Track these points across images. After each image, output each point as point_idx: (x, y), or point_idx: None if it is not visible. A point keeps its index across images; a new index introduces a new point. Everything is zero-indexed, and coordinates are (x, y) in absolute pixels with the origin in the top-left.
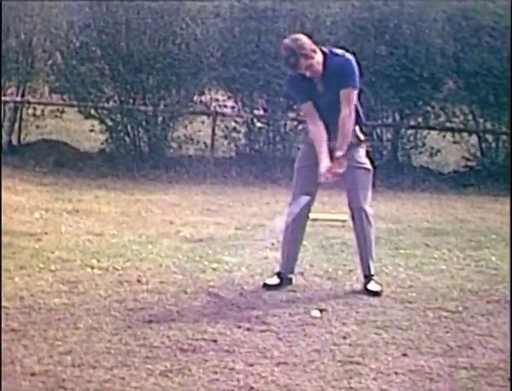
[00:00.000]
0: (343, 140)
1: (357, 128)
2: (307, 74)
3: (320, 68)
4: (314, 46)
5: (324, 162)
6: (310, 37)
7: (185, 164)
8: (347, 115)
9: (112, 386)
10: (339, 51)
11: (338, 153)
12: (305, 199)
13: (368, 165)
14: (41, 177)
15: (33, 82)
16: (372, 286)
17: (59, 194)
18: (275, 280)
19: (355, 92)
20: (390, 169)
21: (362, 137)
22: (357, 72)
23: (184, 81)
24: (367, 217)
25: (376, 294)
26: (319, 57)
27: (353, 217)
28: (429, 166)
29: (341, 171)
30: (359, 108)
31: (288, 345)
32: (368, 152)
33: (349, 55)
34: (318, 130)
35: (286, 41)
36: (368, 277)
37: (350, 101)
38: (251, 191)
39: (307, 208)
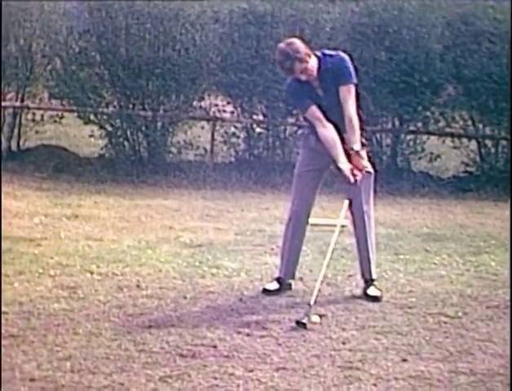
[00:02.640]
0: (355, 134)
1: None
2: (302, 78)
3: (314, 71)
4: (308, 50)
5: (345, 164)
6: (305, 41)
7: (184, 169)
8: (352, 110)
9: None
10: (332, 52)
11: (355, 147)
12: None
13: (370, 169)
14: (41, 182)
15: (32, 87)
16: (372, 291)
17: (59, 199)
18: (274, 285)
19: (354, 87)
20: (389, 175)
21: (364, 140)
22: (352, 68)
23: (184, 86)
24: (369, 220)
25: (376, 299)
26: (313, 61)
27: (354, 221)
28: (428, 171)
29: (364, 164)
30: (361, 112)
31: (287, 351)
32: (369, 157)
33: (342, 54)
34: (330, 133)
35: (281, 45)
36: (368, 282)
37: (351, 96)
38: (251, 196)
39: (307, 213)
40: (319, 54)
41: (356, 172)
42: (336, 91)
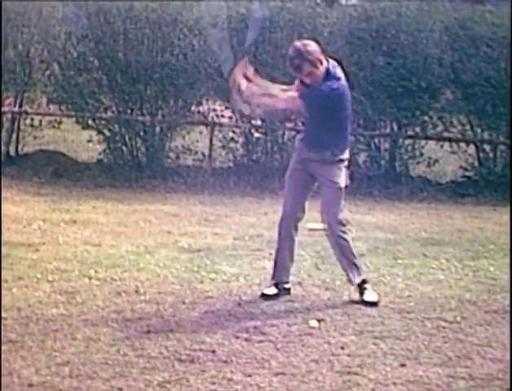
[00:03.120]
0: (268, 101)
1: (337, 148)
2: (306, 81)
3: (319, 79)
4: (322, 57)
5: (255, 91)
6: (321, 47)
7: (183, 174)
8: (293, 97)
9: None
10: (334, 81)
11: (256, 96)
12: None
13: (340, 184)
14: (39, 187)
15: (30, 93)
16: (368, 297)
17: (57, 204)
18: (273, 290)
19: (302, 105)
20: (387, 179)
21: (340, 157)
22: (325, 105)
23: (182, 91)
24: (337, 234)
25: (373, 304)
26: (322, 69)
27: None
28: (427, 176)
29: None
30: (344, 130)
31: (286, 356)
32: (348, 167)
33: (336, 90)
34: (286, 93)
35: (298, 43)
36: (359, 287)
37: (297, 100)
38: (249, 201)
39: (298, 214)
40: (330, 68)
41: (236, 84)
42: (312, 108)
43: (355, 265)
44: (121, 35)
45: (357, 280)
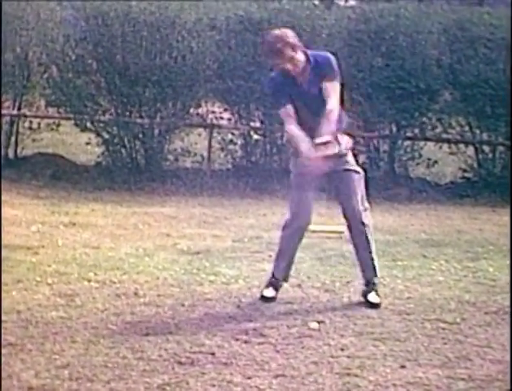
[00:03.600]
0: (328, 126)
1: (345, 135)
2: (288, 67)
3: (300, 65)
4: (299, 44)
5: (310, 149)
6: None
7: (182, 176)
8: (334, 104)
9: None
10: (320, 52)
11: (321, 139)
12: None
13: (359, 169)
14: (38, 190)
15: (29, 96)
16: (372, 297)
17: (56, 207)
18: (272, 292)
19: (339, 86)
20: (387, 181)
21: (352, 144)
22: (337, 68)
23: (180, 93)
24: (365, 221)
25: (375, 306)
26: (300, 56)
27: (349, 225)
28: (426, 177)
29: (328, 153)
30: (343, 114)
31: (285, 358)
32: (356, 160)
33: (329, 54)
34: (297, 128)
35: (274, 31)
36: (370, 285)
37: (335, 93)
38: (248, 202)
39: (307, 217)
40: (308, 52)
41: (317, 160)
42: (322, 86)
43: (375, 260)
44: (120, 37)
45: (378, 274)
